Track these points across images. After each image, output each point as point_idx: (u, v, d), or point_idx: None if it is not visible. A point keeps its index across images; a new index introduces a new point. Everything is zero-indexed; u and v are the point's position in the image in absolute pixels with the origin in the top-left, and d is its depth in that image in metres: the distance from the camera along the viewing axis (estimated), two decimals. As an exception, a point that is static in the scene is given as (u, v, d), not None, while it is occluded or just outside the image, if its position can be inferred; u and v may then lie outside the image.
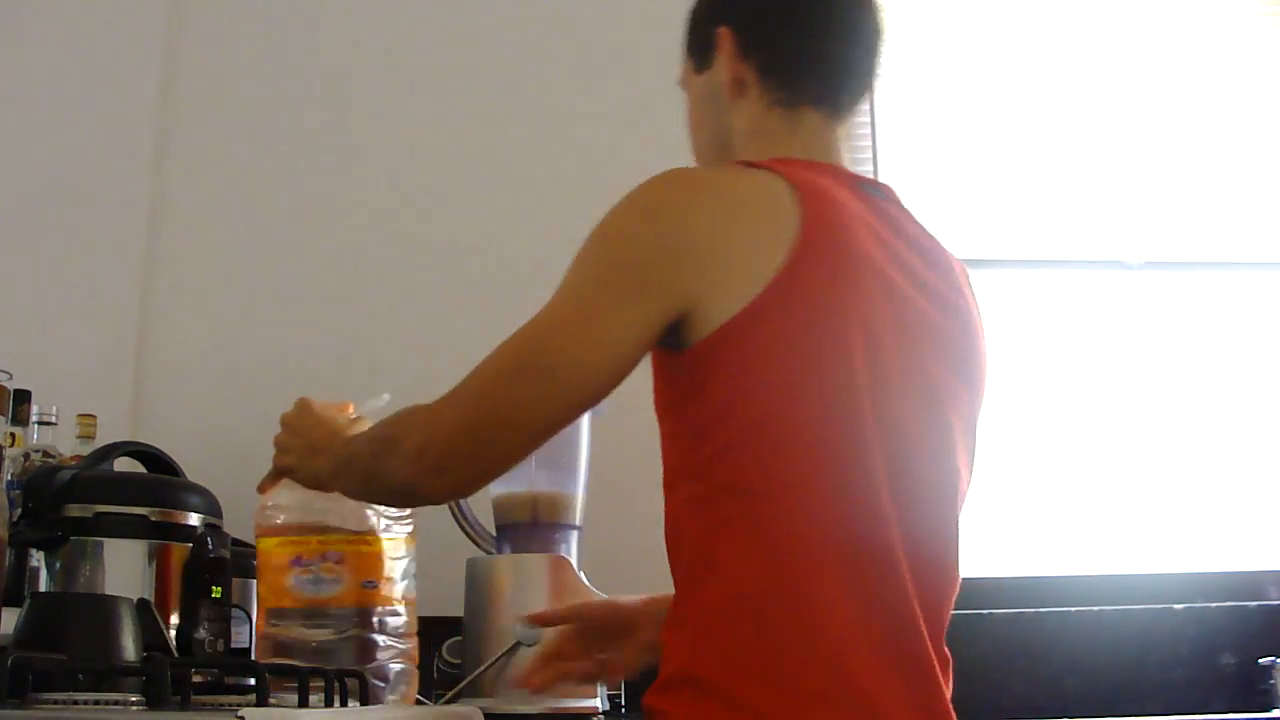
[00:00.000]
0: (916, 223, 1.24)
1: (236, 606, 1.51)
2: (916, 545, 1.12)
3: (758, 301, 1.06)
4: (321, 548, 1.43)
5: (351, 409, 1.58)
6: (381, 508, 1.46)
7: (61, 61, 2.25)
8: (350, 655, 1.39)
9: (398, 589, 1.47)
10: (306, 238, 2.24)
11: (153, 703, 1.07)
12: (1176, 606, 2.14)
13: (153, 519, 1.41)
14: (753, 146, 1.23)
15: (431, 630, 1.79)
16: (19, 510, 1.40)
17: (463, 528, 1.70)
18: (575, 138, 2.31)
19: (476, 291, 2.22)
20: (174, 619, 1.40)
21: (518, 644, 1.52)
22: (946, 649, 1.16)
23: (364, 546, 1.45)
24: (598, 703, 1.58)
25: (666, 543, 1.16)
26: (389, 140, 2.29)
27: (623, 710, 1.79)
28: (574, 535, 1.68)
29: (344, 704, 1.38)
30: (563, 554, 1.63)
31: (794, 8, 1.26)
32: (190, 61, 2.29)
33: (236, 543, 1.56)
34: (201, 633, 1.40)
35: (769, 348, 1.07)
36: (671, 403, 1.16)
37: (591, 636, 1.38)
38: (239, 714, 0.97)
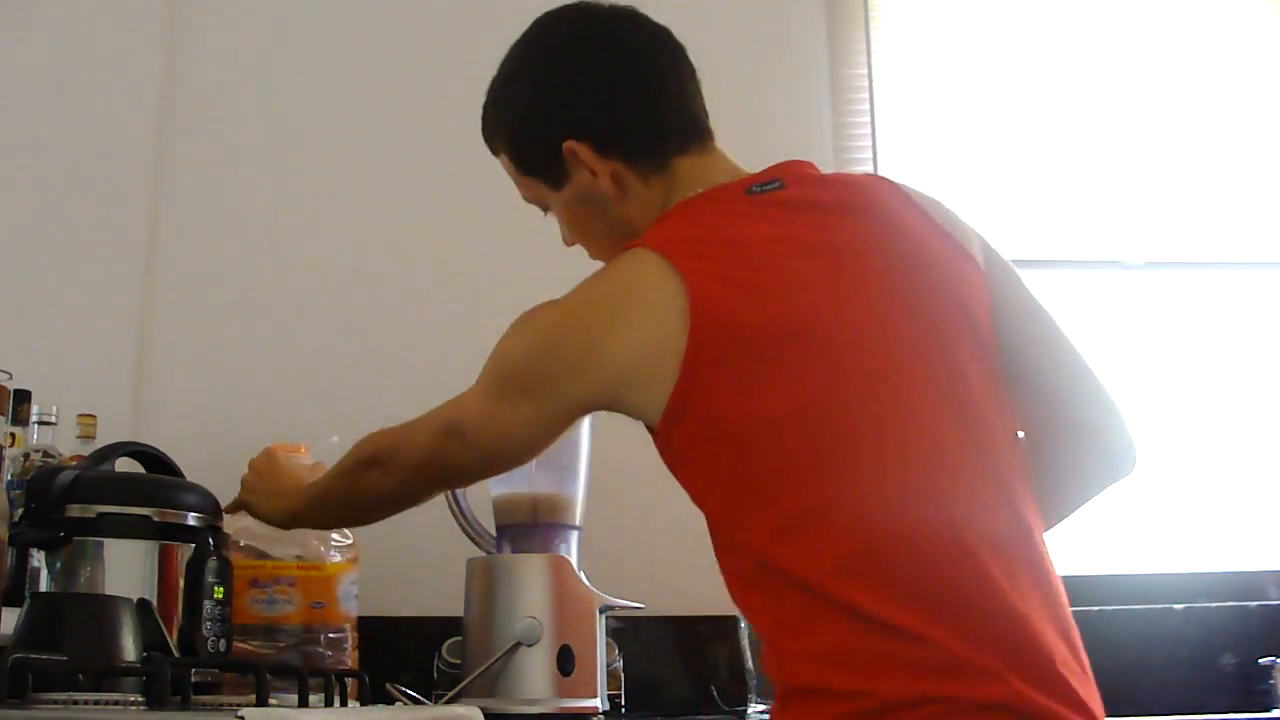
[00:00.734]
0: (818, 183, 1.22)
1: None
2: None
3: (677, 390, 1.09)
4: (276, 572, 1.66)
5: (305, 450, 1.73)
6: (327, 539, 1.71)
7: (61, 61, 2.24)
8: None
9: (341, 608, 1.69)
10: (307, 238, 2.23)
11: (153, 703, 1.08)
12: (1176, 606, 2.14)
13: (155, 519, 1.41)
14: (653, 220, 1.24)
15: (431, 630, 1.80)
16: (20, 510, 1.41)
17: (463, 528, 1.70)
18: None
19: (476, 295, 2.22)
20: (175, 619, 1.40)
21: (518, 644, 1.52)
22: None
23: (314, 572, 1.68)
24: (598, 703, 1.58)
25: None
26: (391, 142, 2.29)
27: (623, 710, 1.79)
28: (574, 535, 1.68)
29: (344, 704, 1.38)
30: (563, 554, 1.63)
31: (610, 82, 1.25)
32: (190, 61, 2.29)
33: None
34: (203, 633, 1.40)
35: (715, 422, 1.09)
36: (673, 465, 1.19)
37: None
38: (239, 714, 0.97)
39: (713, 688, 1.95)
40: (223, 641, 1.43)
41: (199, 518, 1.46)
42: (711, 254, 1.12)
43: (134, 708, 1.07)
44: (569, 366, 1.17)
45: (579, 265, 2.22)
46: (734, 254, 1.12)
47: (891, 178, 1.28)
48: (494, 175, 2.28)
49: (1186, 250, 2.44)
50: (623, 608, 1.62)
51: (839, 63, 2.43)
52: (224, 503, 1.54)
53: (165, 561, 1.41)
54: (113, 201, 2.19)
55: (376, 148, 2.29)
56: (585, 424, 1.73)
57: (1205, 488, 2.34)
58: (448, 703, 1.54)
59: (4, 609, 1.28)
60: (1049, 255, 2.41)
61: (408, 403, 2.13)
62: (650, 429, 1.16)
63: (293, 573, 1.66)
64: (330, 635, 1.66)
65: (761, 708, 1.71)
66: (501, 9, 2.36)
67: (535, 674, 1.53)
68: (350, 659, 1.69)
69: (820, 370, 1.08)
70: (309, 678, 1.24)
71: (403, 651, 1.90)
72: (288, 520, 1.45)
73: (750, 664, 1.74)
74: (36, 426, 1.79)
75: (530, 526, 1.66)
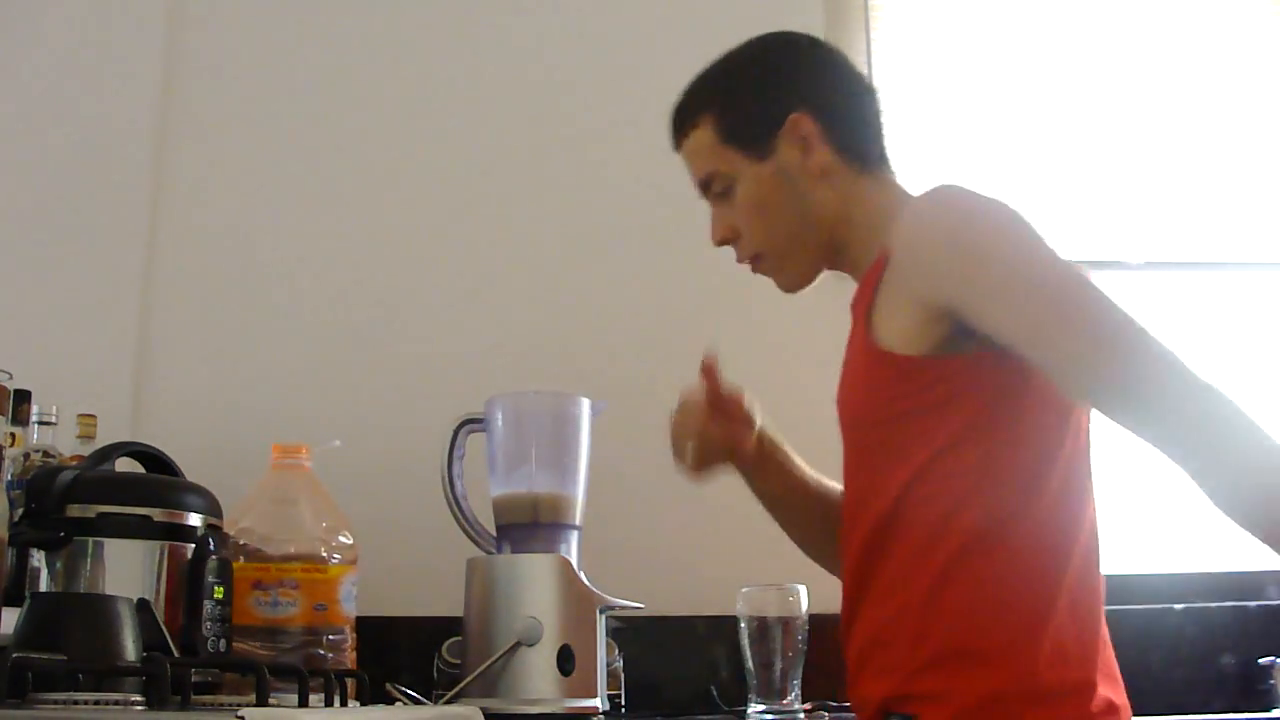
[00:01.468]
0: None
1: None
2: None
3: None
4: (279, 574, 1.64)
5: (305, 450, 1.74)
6: (329, 540, 1.68)
7: (61, 61, 2.24)
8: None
9: (342, 609, 1.68)
10: (307, 238, 2.24)
11: (153, 703, 1.08)
12: (1176, 606, 2.14)
13: (155, 519, 1.41)
14: (861, 213, 1.30)
15: (431, 630, 1.80)
16: (20, 510, 1.41)
17: (463, 528, 1.70)
18: (588, 144, 2.31)
19: (476, 297, 2.23)
20: (176, 619, 1.40)
21: (518, 644, 1.52)
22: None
23: (317, 574, 1.66)
24: (598, 703, 1.58)
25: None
26: (392, 143, 2.29)
27: (623, 710, 1.79)
28: (574, 535, 1.68)
29: (344, 704, 1.38)
30: (563, 554, 1.63)
31: (847, 83, 1.35)
32: (190, 61, 2.29)
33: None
34: (203, 633, 1.40)
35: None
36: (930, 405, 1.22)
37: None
38: (239, 714, 0.97)
39: (713, 688, 1.95)
40: (223, 641, 1.43)
41: (199, 518, 1.45)
42: None
43: (134, 708, 1.07)
44: None
45: (579, 265, 2.24)
46: None
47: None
48: (495, 177, 2.29)
49: (1186, 250, 2.44)
50: (623, 608, 1.62)
51: (839, 63, 2.43)
52: (223, 501, 1.55)
53: (165, 561, 1.41)
54: (113, 201, 2.19)
55: (377, 148, 2.29)
56: (585, 424, 1.73)
57: (1205, 488, 2.33)
58: (448, 703, 1.54)
59: (4, 609, 1.28)
60: (1049, 255, 2.41)
61: (408, 403, 2.15)
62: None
63: (296, 575, 1.65)
64: (331, 636, 1.66)
65: (762, 707, 1.71)
66: (503, 11, 2.38)
67: (535, 674, 1.53)
68: (349, 659, 1.69)
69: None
70: (309, 678, 1.24)
71: (403, 651, 1.90)
72: None
73: (749, 664, 1.74)
74: (36, 426, 1.79)
75: (530, 526, 1.66)
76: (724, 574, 1.86)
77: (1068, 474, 1.21)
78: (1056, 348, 1.11)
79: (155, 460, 1.57)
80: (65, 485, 1.37)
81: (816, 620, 1.71)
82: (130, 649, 1.19)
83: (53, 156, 2.20)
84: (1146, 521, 2.31)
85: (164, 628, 1.35)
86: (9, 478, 1.65)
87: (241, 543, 1.65)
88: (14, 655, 1.03)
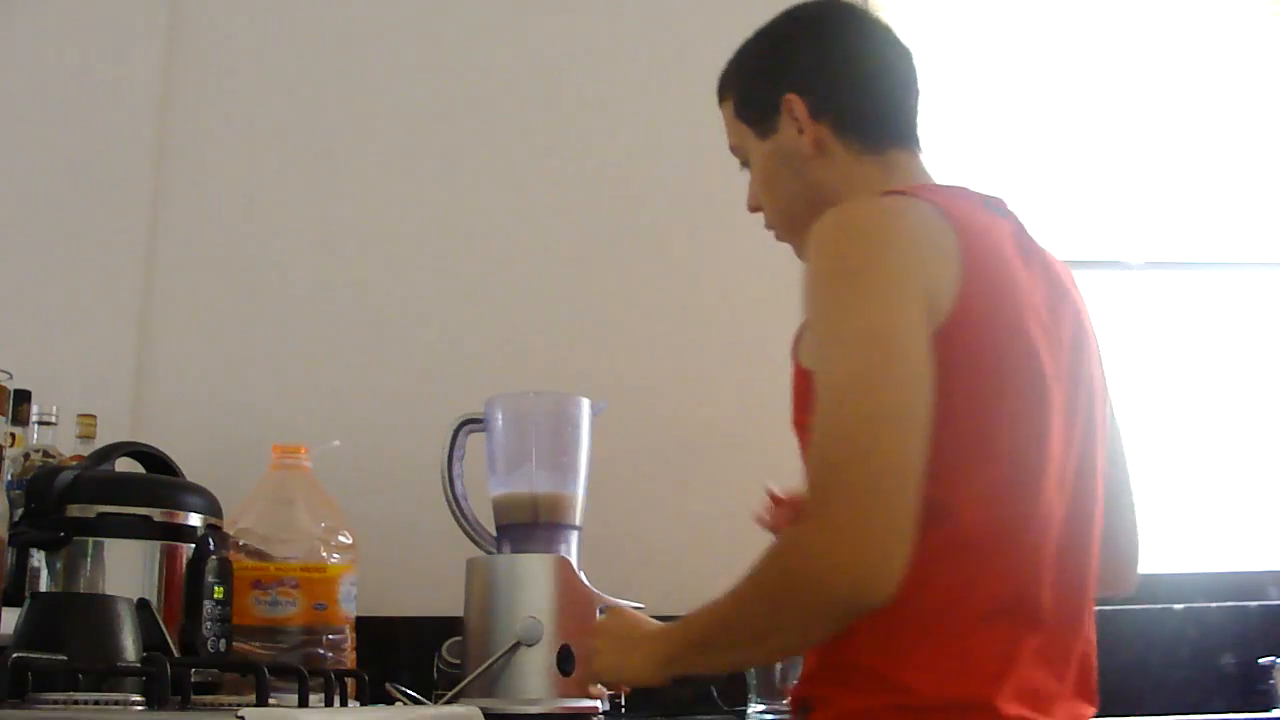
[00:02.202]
0: (1028, 233, 1.28)
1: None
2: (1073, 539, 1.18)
3: (941, 329, 1.09)
4: (279, 574, 1.64)
5: (304, 450, 1.75)
6: (329, 540, 1.68)
7: (61, 61, 2.25)
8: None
9: (341, 609, 1.68)
10: (307, 238, 2.24)
11: (153, 703, 1.08)
12: (1176, 606, 2.14)
13: (155, 519, 1.41)
14: (853, 193, 1.27)
15: (432, 630, 1.80)
16: (20, 510, 1.41)
17: (463, 528, 1.70)
18: (589, 144, 2.31)
19: (477, 297, 2.23)
20: (176, 619, 1.40)
21: (518, 644, 1.52)
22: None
23: (317, 573, 1.67)
24: (598, 703, 1.58)
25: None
26: (392, 143, 2.29)
27: (623, 711, 1.79)
28: (574, 535, 1.68)
29: (344, 704, 1.38)
30: (563, 554, 1.63)
31: (850, 63, 1.34)
32: (190, 62, 2.29)
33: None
34: (203, 633, 1.40)
35: (953, 365, 1.08)
36: None
37: None
38: (239, 714, 0.97)
39: (712, 688, 1.95)
40: (223, 641, 1.43)
41: (199, 518, 1.46)
42: (984, 243, 1.16)
43: (134, 708, 1.07)
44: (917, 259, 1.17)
45: (579, 265, 2.24)
46: (995, 247, 1.18)
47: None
48: (495, 177, 2.29)
49: (1186, 250, 2.44)
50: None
51: (839, 63, 2.43)
52: (223, 501, 1.55)
53: (165, 561, 1.41)
54: (113, 202, 2.19)
55: (377, 149, 2.29)
56: (585, 424, 1.73)
57: (1205, 488, 2.34)
58: (448, 703, 1.54)
59: (4, 609, 1.28)
60: (1049, 255, 2.41)
61: (408, 404, 2.15)
62: None
63: (296, 574, 1.66)
64: (331, 636, 1.66)
65: (761, 707, 1.71)
66: (503, 12, 2.38)
67: (535, 674, 1.53)
68: (349, 659, 1.69)
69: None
70: (309, 678, 1.24)
71: (403, 651, 1.90)
72: (665, 672, 1.22)
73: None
74: (36, 426, 1.79)
75: (530, 526, 1.66)
76: (723, 573, 1.86)
77: (991, 492, 1.12)
78: (817, 408, 1.07)
79: (155, 460, 1.58)
80: (65, 485, 1.37)
81: (816, 620, 1.71)
82: (130, 649, 1.19)
83: (53, 157, 2.20)
84: (1147, 522, 2.31)
85: (164, 628, 1.35)
86: (9, 478, 1.65)
87: (241, 543, 1.65)
88: (14, 655, 1.03)
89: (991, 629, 1.10)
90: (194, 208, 2.23)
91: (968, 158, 2.44)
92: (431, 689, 1.71)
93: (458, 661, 1.66)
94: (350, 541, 1.73)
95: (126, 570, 1.38)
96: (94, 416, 1.83)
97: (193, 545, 1.43)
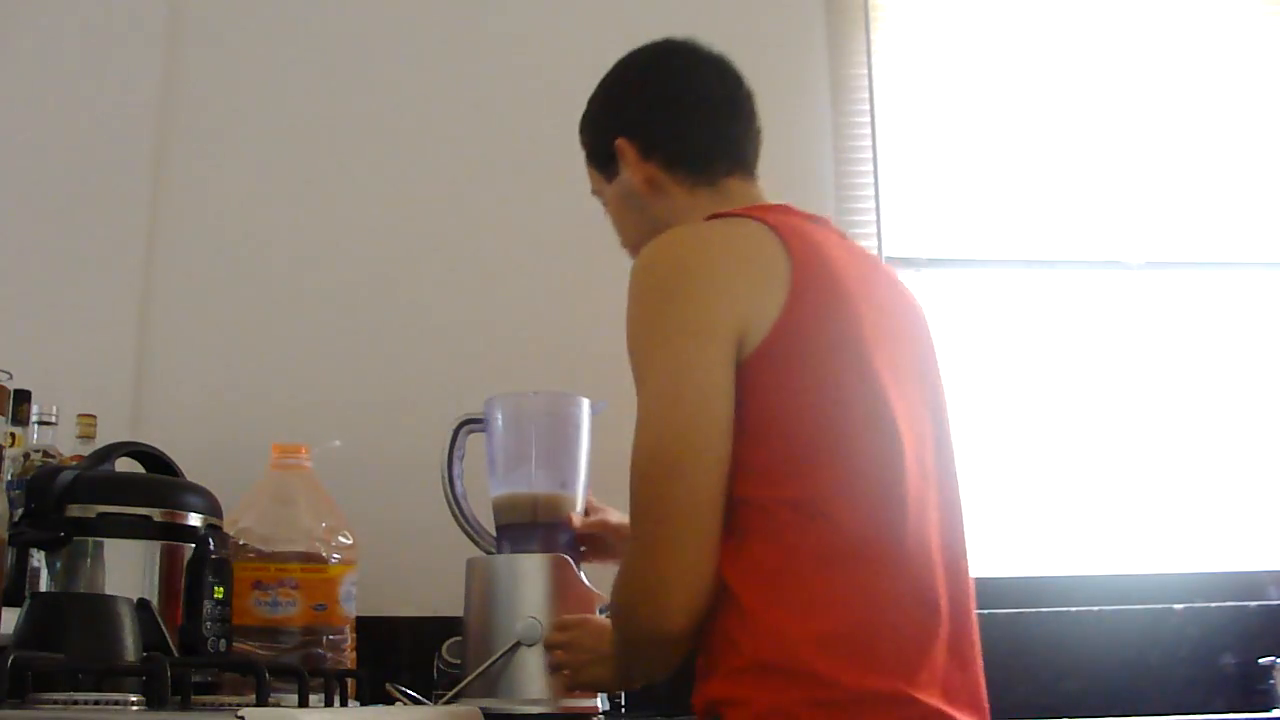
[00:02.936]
0: (854, 242, 1.40)
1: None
2: (944, 537, 1.23)
3: (766, 341, 1.18)
4: (279, 574, 1.65)
5: (305, 451, 1.76)
6: (329, 540, 1.69)
7: (61, 61, 2.25)
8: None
9: (342, 609, 1.69)
10: (307, 238, 2.24)
11: (153, 703, 1.07)
12: (1176, 606, 2.14)
13: (155, 519, 1.41)
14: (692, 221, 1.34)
15: (432, 630, 1.80)
16: (20, 510, 1.41)
17: (463, 528, 1.70)
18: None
19: (478, 297, 2.23)
20: (176, 619, 1.40)
21: (518, 644, 1.52)
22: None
23: (317, 574, 1.67)
24: (598, 703, 1.58)
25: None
26: (392, 143, 2.29)
27: (623, 710, 1.79)
28: (574, 535, 1.68)
29: (344, 704, 1.38)
30: (563, 554, 1.63)
31: (673, 102, 1.42)
32: (190, 61, 2.29)
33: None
34: (203, 633, 1.40)
35: (789, 370, 1.18)
36: None
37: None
38: (239, 714, 0.97)
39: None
40: (223, 641, 1.43)
41: (199, 518, 1.45)
42: (814, 251, 1.23)
43: (134, 708, 1.07)
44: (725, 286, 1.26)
45: (579, 265, 2.24)
46: (828, 254, 1.25)
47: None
48: (495, 177, 2.29)
49: (1186, 250, 2.44)
50: (623, 608, 1.62)
51: (839, 63, 2.43)
52: (223, 501, 1.55)
53: (165, 561, 1.41)
54: (113, 202, 2.19)
55: (377, 149, 2.29)
56: (585, 424, 1.73)
57: (1205, 488, 2.34)
58: (448, 703, 1.54)
59: (4, 609, 1.28)
60: (1049, 255, 2.41)
61: (408, 404, 2.15)
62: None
63: (296, 575, 1.66)
64: (331, 636, 1.67)
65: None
66: (503, 13, 2.38)
67: (535, 674, 1.53)
68: (349, 659, 1.69)
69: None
70: (309, 678, 1.24)
71: (403, 651, 1.90)
72: (622, 684, 1.39)
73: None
74: (36, 426, 1.79)
75: (530, 526, 1.66)
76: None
77: (858, 486, 1.18)
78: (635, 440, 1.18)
79: (155, 460, 1.58)
80: (65, 485, 1.37)
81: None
82: (130, 649, 1.19)
83: (53, 157, 2.20)
84: (1146, 522, 2.31)
85: (164, 628, 1.35)
86: (9, 478, 1.65)
87: (241, 543, 1.65)
88: (14, 655, 1.03)
89: (901, 620, 1.15)
90: (194, 208, 2.23)
91: (968, 158, 2.44)
92: (431, 689, 1.71)
93: (458, 661, 1.66)
94: (350, 541, 1.73)
95: (126, 570, 1.38)
96: (94, 416, 1.83)
97: (193, 545, 1.43)
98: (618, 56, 2.35)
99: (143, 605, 1.33)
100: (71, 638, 1.16)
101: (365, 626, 1.76)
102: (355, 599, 1.72)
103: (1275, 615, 2.14)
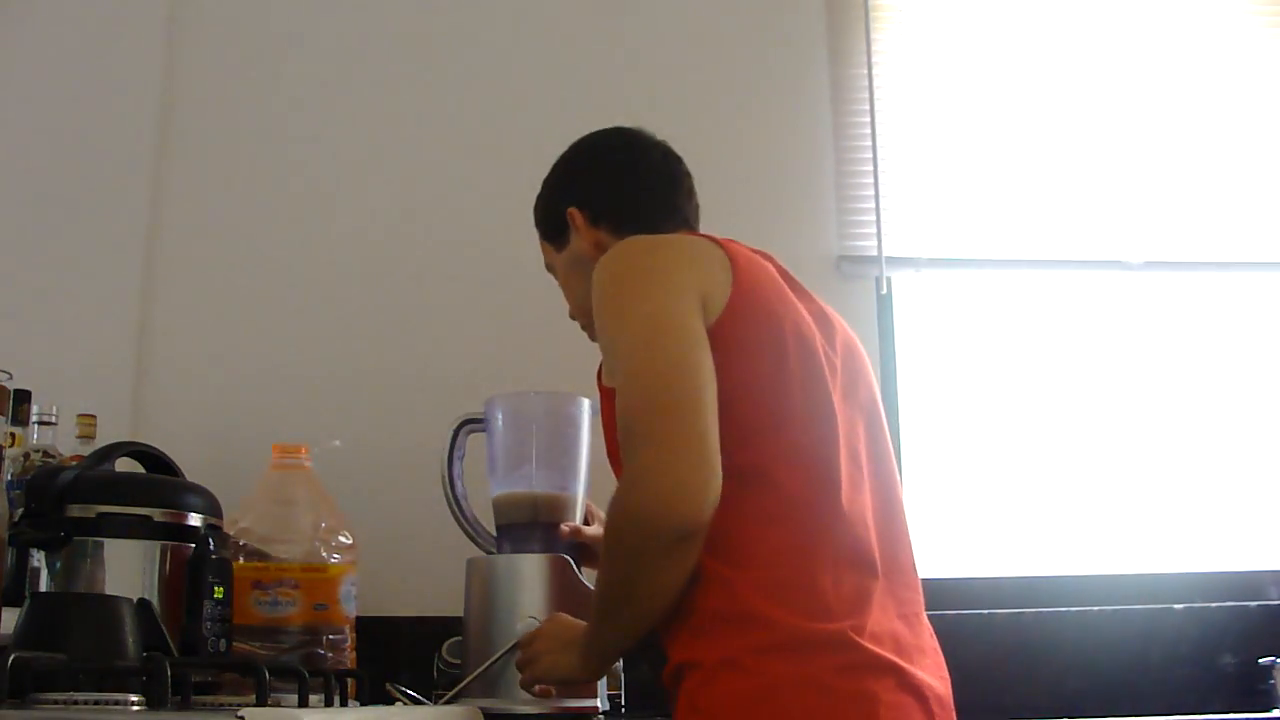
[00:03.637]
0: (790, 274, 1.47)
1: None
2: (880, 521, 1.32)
3: (720, 319, 1.27)
4: (279, 574, 1.66)
5: (305, 450, 1.78)
6: (329, 540, 1.70)
7: (61, 61, 2.25)
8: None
9: (342, 609, 1.69)
10: (307, 238, 2.24)
11: (153, 703, 1.07)
12: (1176, 606, 2.14)
13: (155, 519, 1.41)
14: None
15: (432, 630, 1.80)
16: (20, 510, 1.41)
17: (463, 528, 1.70)
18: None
19: (478, 296, 2.23)
20: (176, 619, 1.40)
21: (518, 644, 1.52)
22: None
23: (317, 574, 1.68)
24: (598, 703, 1.58)
25: None
26: (393, 141, 2.29)
27: (623, 710, 1.79)
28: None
29: (344, 704, 1.38)
30: (563, 554, 1.63)
31: (617, 173, 1.56)
32: (190, 62, 2.29)
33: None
34: (203, 633, 1.40)
35: (741, 347, 1.26)
36: None
37: None
38: (239, 714, 0.97)
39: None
40: (223, 641, 1.43)
41: (199, 518, 1.45)
42: (751, 262, 1.34)
43: (134, 708, 1.07)
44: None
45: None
46: (762, 266, 1.36)
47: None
48: (495, 176, 2.29)
49: (1186, 250, 2.44)
50: (623, 608, 1.61)
51: (839, 63, 2.43)
52: (223, 501, 1.55)
53: (165, 561, 1.41)
54: (113, 202, 2.19)
55: (378, 147, 2.29)
56: (585, 424, 1.73)
57: (1206, 488, 2.34)
58: (448, 703, 1.54)
59: (4, 609, 1.28)
60: (1049, 255, 2.41)
61: (408, 403, 2.15)
62: None
63: (296, 575, 1.66)
64: (331, 636, 1.67)
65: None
66: (503, 13, 2.38)
67: (535, 674, 1.53)
68: (349, 659, 1.69)
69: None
70: (309, 678, 1.24)
71: (403, 651, 1.90)
72: (594, 662, 1.36)
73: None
74: (36, 426, 1.79)
75: (530, 526, 1.66)
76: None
77: (795, 453, 1.26)
78: (619, 394, 1.23)
79: (155, 460, 1.57)
80: (65, 485, 1.37)
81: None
82: (130, 649, 1.19)
83: (53, 156, 2.20)
84: (1146, 522, 2.31)
85: (164, 628, 1.35)
86: (9, 478, 1.65)
87: (241, 543, 1.65)
88: (14, 655, 1.03)
89: (841, 574, 1.23)
90: (194, 208, 2.23)
91: (968, 158, 2.44)
92: (431, 689, 1.71)
93: (458, 661, 1.66)
94: (350, 541, 1.73)
95: (126, 570, 1.38)
96: (94, 416, 1.83)
97: (193, 545, 1.43)
98: (618, 57, 2.37)
99: (143, 605, 1.33)
100: (71, 638, 1.17)
101: (365, 626, 1.76)
102: (355, 599, 1.72)
103: (1275, 615, 2.14)
